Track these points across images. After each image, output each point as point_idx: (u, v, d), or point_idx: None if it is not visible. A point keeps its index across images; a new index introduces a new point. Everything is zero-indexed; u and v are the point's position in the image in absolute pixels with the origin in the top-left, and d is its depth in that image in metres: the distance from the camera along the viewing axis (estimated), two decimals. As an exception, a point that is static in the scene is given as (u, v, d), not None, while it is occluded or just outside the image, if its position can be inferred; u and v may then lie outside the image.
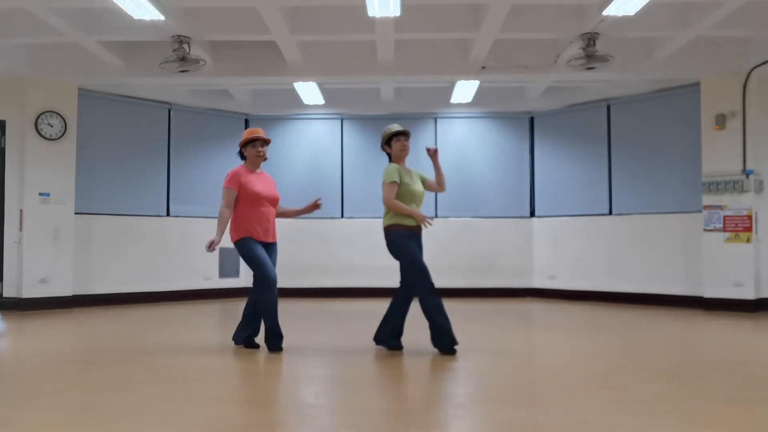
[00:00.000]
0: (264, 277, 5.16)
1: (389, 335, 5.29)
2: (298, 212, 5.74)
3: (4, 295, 8.47)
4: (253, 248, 5.20)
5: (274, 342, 5.22)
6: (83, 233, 9.06)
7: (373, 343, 5.39)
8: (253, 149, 5.42)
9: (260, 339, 5.43)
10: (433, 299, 5.04)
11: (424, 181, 5.41)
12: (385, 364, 4.89)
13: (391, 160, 5.32)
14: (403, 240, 5.09)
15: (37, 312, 8.26)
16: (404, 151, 5.27)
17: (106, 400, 3.76)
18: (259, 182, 5.40)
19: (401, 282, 5.27)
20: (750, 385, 4.16)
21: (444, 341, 5.04)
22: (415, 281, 5.08)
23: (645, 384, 4.13)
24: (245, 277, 10.68)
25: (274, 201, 5.45)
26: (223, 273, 10.54)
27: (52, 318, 7.77)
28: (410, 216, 5.10)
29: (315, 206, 5.54)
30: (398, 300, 5.28)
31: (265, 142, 5.45)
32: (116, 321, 7.59)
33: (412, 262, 5.06)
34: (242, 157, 5.51)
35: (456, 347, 5.05)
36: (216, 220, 5.30)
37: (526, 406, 3.80)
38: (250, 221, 5.25)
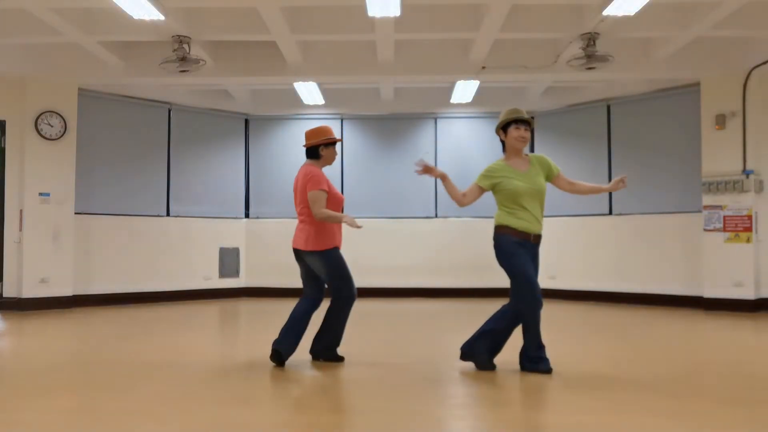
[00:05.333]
0: (351, 291, 4.85)
1: (485, 350, 4.60)
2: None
3: (4, 295, 8.46)
4: (343, 260, 4.85)
5: (335, 354, 4.98)
6: (83, 233, 9.06)
7: (460, 358, 4.71)
8: (333, 151, 5.01)
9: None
10: (535, 316, 4.42)
11: (550, 175, 4.64)
12: (384, 366, 4.89)
13: (504, 148, 4.70)
14: (511, 246, 4.44)
15: (37, 312, 8.26)
16: (520, 141, 4.58)
17: (105, 400, 3.76)
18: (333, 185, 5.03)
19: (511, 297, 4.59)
20: (750, 386, 4.15)
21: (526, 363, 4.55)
22: (517, 294, 4.44)
23: (645, 384, 4.13)
24: (245, 277, 10.71)
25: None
26: (223, 273, 10.54)
27: (52, 318, 7.77)
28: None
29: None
30: (502, 312, 4.60)
31: None
32: (116, 321, 7.58)
33: (517, 274, 4.41)
34: (314, 155, 5.00)
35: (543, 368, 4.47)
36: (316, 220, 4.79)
37: (526, 406, 3.80)
38: (335, 229, 4.87)
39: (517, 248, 4.45)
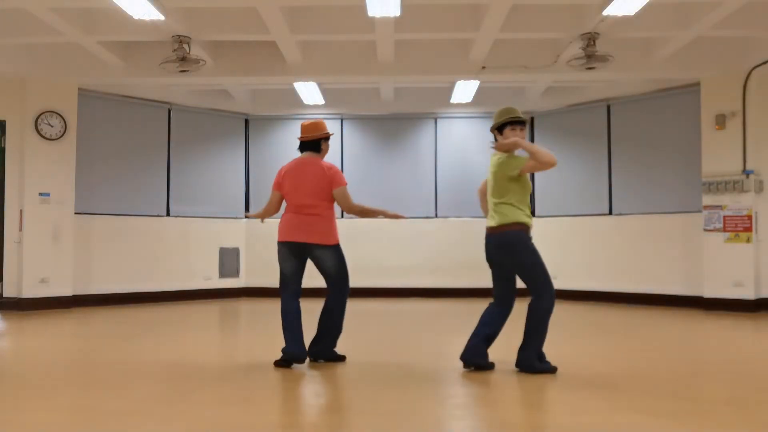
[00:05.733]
0: (349, 285, 4.99)
1: (482, 353, 4.57)
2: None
3: (4, 295, 8.46)
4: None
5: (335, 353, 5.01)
6: (83, 233, 9.06)
7: (461, 363, 4.61)
8: (328, 144, 5.08)
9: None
10: (550, 313, 4.49)
11: None
12: (384, 366, 4.89)
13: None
14: (532, 243, 4.46)
15: (37, 312, 8.26)
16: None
17: (105, 400, 3.76)
18: None
19: (498, 296, 4.67)
20: (750, 386, 4.15)
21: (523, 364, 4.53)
22: (544, 288, 4.52)
23: (645, 384, 4.13)
24: (245, 277, 10.70)
25: None
26: (223, 273, 10.54)
27: (52, 318, 7.77)
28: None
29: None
30: (495, 315, 4.62)
31: None
32: (116, 321, 7.58)
33: (544, 271, 4.51)
34: (315, 148, 4.98)
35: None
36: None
37: (526, 406, 3.80)
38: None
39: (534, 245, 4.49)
